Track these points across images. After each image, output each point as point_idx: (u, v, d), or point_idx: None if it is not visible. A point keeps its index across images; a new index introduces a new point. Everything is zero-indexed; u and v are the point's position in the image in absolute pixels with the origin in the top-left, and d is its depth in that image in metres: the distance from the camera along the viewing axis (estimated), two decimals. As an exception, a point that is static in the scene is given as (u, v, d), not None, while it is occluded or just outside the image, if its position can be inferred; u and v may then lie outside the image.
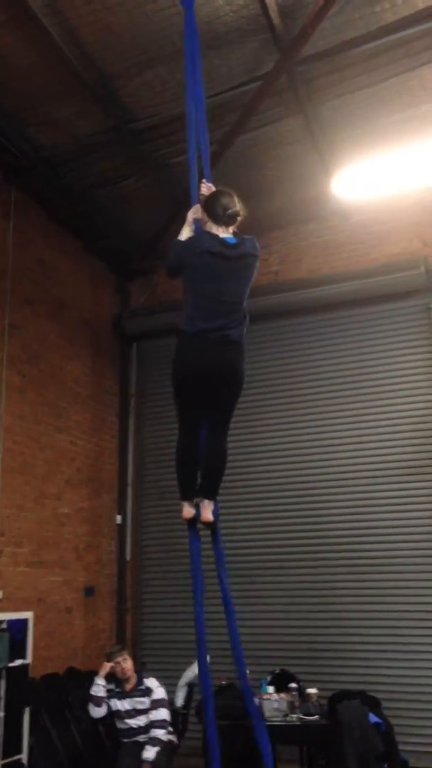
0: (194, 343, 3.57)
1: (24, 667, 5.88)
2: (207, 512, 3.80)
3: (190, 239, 3.72)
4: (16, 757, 5.63)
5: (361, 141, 6.67)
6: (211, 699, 4.04)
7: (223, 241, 3.59)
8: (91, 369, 8.31)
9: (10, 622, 5.81)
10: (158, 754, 5.42)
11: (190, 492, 3.84)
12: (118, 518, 8.52)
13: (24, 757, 5.73)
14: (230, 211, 3.64)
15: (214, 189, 3.89)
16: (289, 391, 8.09)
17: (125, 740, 5.69)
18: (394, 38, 5.65)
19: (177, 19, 5.12)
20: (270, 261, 8.35)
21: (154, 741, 5.48)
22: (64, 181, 7.23)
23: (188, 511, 3.84)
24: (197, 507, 3.84)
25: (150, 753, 5.41)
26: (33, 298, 7.31)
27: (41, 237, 7.57)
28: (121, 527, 8.53)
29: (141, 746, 5.51)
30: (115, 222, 8.09)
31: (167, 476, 8.45)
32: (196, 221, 3.84)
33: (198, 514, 3.83)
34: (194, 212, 3.85)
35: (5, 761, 5.47)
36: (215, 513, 3.85)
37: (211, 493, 3.84)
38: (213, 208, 3.68)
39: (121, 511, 8.56)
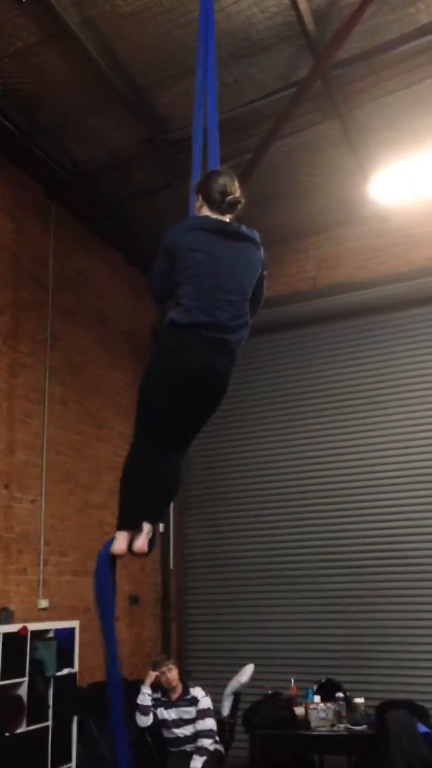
0: (184, 337, 2.90)
1: (71, 676, 5.93)
2: (144, 541, 2.97)
3: (179, 225, 3.14)
4: (65, 766, 5.68)
5: (398, 143, 6.61)
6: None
7: (218, 220, 3.09)
8: (132, 379, 8.35)
9: (57, 631, 5.87)
10: (205, 763, 5.40)
11: (137, 521, 3.01)
12: (161, 526, 8.55)
13: (73, 765, 5.77)
14: (230, 198, 3.07)
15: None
16: (332, 397, 8.02)
17: (173, 749, 5.69)
18: (429, 39, 5.59)
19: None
20: (307, 266, 8.33)
21: (201, 751, 5.47)
22: (102, 194, 7.31)
23: (123, 544, 2.98)
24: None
25: (197, 763, 5.39)
26: (74, 309, 7.40)
27: (81, 250, 7.66)
28: (164, 535, 8.54)
29: (188, 756, 5.50)
30: (152, 233, 8.12)
31: (210, 483, 8.49)
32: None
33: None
34: None
35: (54, 770, 5.52)
36: (152, 542, 3.04)
37: (158, 519, 3.15)
38: (208, 191, 3.13)
39: (164, 519, 8.58)
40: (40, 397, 6.70)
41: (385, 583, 7.35)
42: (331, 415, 7.99)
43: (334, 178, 7.32)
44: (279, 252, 8.25)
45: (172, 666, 5.90)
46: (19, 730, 5.23)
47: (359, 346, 8.01)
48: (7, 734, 5.10)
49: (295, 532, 7.91)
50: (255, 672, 6.55)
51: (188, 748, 5.58)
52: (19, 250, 6.69)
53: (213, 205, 3.11)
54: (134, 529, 3.00)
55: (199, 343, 2.89)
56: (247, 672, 6.50)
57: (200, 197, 3.18)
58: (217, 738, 5.72)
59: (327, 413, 8.02)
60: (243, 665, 6.61)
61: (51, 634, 5.81)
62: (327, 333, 8.20)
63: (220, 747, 5.74)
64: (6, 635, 5.20)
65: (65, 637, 5.94)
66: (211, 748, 5.52)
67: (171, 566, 8.49)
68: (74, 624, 6.14)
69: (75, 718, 5.89)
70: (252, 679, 6.51)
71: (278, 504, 8.05)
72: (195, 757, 5.44)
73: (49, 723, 5.56)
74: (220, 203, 3.09)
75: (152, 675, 5.86)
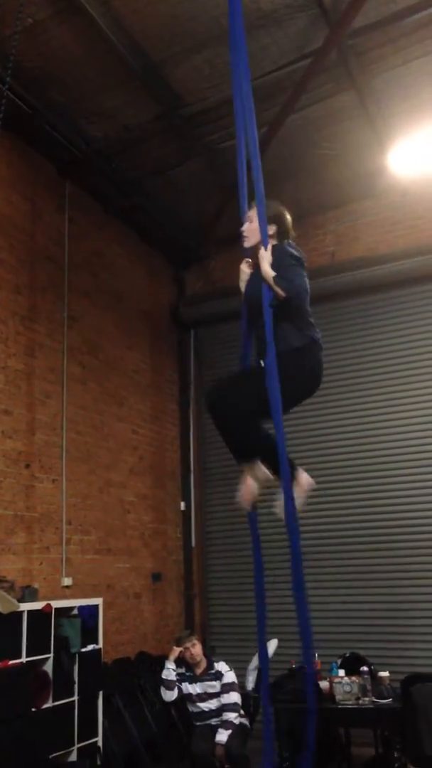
0: (320, 352, 3.64)
1: (96, 652, 5.99)
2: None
3: (298, 251, 3.51)
4: (91, 740, 5.76)
5: (416, 113, 6.50)
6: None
7: None
8: (149, 358, 8.37)
9: (81, 608, 5.92)
10: (230, 737, 5.45)
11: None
12: (182, 505, 8.59)
13: (99, 740, 5.85)
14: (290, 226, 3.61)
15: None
16: (353, 372, 7.96)
17: (198, 723, 5.75)
18: (447, 4, 5.47)
19: (222, 1, 5.05)
20: (326, 241, 8.24)
21: (226, 724, 5.52)
22: (116, 172, 7.26)
23: None
24: None
25: (222, 736, 5.45)
26: (90, 289, 7.39)
27: (96, 229, 7.63)
28: (186, 514, 8.59)
29: (214, 729, 5.56)
30: (168, 210, 8.09)
31: (231, 461, 8.46)
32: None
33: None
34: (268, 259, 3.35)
35: (81, 744, 5.59)
36: None
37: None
38: (286, 224, 3.59)
39: (185, 497, 8.62)
40: (59, 377, 6.71)
41: (408, 557, 7.33)
42: (353, 390, 7.94)
43: (351, 151, 7.21)
44: (296, 227, 8.08)
45: (195, 641, 5.95)
46: (45, 706, 5.30)
47: (379, 320, 7.93)
48: (34, 709, 5.17)
49: (317, 507, 7.89)
50: (279, 647, 6.58)
51: (213, 721, 5.64)
52: (34, 231, 6.67)
53: (281, 237, 3.48)
54: None
55: (321, 355, 3.60)
56: (270, 647, 6.53)
57: (275, 227, 3.48)
58: (242, 712, 5.77)
59: (348, 388, 7.95)
60: (266, 640, 6.62)
61: (75, 612, 5.86)
62: (346, 308, 8.12)
63: (245, 720, 5.79)
64: (31, 613, 5.25)
65: (89, 614, 5.99)
66: (236, 721, 5.57)
67: (193, 544, 8.53)
68: (98, 601, 6.19)
69: (100, 694, 5.97)
70: (276, 653, 6.54)
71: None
72: (220, 730, 5.50)
73: (75, 698, 5.62)
74: (286, 236, 3.51)
75: (176, 650, 5.92)
